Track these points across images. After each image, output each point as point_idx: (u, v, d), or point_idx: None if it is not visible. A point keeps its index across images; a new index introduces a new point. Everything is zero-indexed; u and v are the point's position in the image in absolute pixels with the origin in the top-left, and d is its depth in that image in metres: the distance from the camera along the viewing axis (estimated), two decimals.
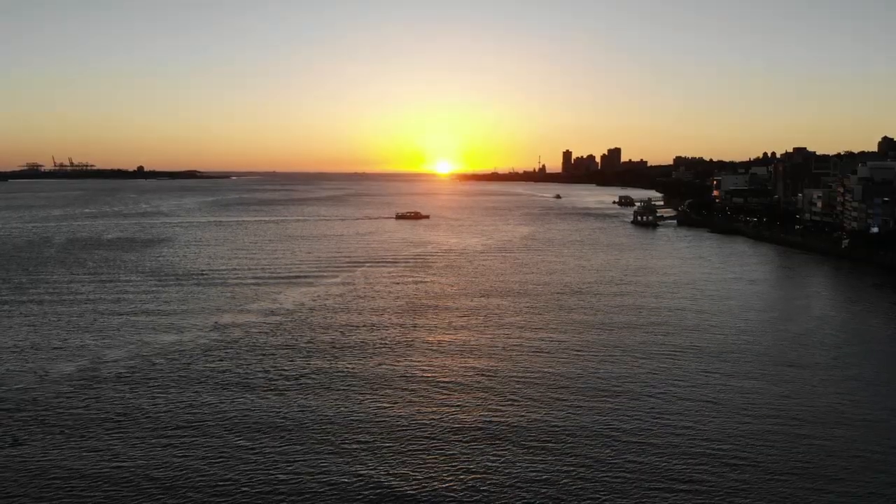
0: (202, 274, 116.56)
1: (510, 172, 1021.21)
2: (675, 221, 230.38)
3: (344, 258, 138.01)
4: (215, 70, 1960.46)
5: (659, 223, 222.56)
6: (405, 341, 72.72)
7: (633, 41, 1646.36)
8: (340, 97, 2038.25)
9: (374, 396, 55.45)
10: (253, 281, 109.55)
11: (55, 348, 68.90)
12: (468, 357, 67.04)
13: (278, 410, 52.25)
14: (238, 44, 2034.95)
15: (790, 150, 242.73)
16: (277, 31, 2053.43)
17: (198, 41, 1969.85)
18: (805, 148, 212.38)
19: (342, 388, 57.47)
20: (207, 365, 63.50)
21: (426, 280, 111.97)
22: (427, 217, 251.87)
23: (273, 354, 67.10)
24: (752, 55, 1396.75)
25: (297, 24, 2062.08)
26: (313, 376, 60.46)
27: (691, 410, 52.60)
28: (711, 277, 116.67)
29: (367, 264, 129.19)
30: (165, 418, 50.59)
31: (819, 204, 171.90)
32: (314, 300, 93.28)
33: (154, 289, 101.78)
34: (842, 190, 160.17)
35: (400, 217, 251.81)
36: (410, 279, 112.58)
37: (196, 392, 56.18)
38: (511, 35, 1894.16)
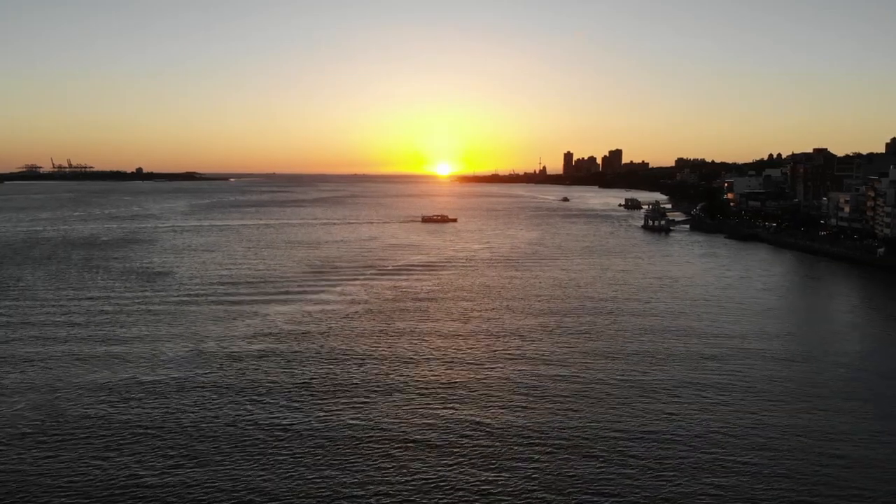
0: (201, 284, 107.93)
1: (511, 174, 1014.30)
2: (687, 226, 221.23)
3: (379, 264, 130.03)
4: (215, 71, 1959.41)
5: (671, 228, 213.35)
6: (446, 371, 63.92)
7: (633, 42, 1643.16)
8: (340, 98, 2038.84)
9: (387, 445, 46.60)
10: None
11: (25, 364, 60.33)
12: (493, 401, 58.19)
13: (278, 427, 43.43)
14: (238, 45, 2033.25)
15: (794, 151, 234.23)
16: (278, 32, 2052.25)
17: (198, 43, 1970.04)
18: (826, 149, 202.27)
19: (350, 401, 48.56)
20: (196, 390, 54.65)
21: (441, 284, 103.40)
22: (455, 220, 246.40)
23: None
24: (753, 56, 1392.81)
25: (298, 26, 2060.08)
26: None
27: (752, 453, 43.73)
28: (739, 289, 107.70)
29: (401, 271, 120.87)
30: (151, 440, 42.24)
31: (846, 208, 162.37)
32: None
33: (135, 301, 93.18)
34: (872, 194, 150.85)
35: (426, 220, 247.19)
36: (437, 281, 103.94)
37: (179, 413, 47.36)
38: (512, 36, 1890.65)
